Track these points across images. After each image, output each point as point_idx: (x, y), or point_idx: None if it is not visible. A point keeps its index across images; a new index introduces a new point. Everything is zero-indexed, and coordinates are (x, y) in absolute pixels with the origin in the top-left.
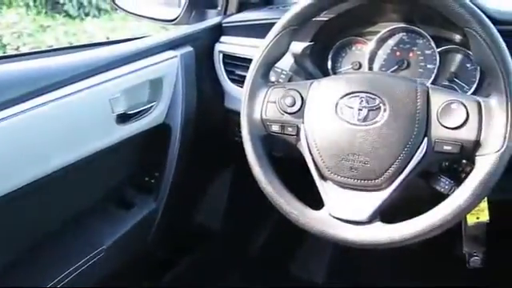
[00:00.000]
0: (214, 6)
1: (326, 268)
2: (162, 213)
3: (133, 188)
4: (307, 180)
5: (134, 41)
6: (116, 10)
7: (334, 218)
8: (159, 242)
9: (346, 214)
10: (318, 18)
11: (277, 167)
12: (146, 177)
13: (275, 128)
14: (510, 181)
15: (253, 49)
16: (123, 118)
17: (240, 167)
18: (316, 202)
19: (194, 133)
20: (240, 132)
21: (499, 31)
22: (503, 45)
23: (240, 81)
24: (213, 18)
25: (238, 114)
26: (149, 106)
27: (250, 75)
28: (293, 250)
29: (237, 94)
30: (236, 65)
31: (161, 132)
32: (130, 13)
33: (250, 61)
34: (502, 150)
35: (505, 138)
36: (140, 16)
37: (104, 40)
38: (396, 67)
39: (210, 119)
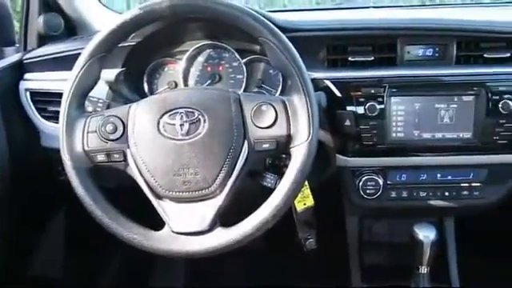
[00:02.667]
0: (11, 43)
1: (184, 272)
2: None
3: None
4: (146, 203)
5: None
6: None
7: (177, 233)
8: None
9: (187, 227)
10: (126, 43)
11: (112, 196)
12: None
13: (100, 157)
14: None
15: (62, 82)
16: None
17: (72, 207)
18: (160, 222)
19: (11, 179)
20: (64, 170)
21: (288, 38)
22: (293, 49)
23: (55, 117)
24: (12, 56)
25: (58, 151)
26: None
27: (63, 109)
28: (148, 271)
29: (54, 131)
30: (47, 101)
31: None
32: None
33: (61, 95)
34: (310, 138)
35: (309, 128)
36: None
37: None
38: (210, 81)
39: (27, 162)
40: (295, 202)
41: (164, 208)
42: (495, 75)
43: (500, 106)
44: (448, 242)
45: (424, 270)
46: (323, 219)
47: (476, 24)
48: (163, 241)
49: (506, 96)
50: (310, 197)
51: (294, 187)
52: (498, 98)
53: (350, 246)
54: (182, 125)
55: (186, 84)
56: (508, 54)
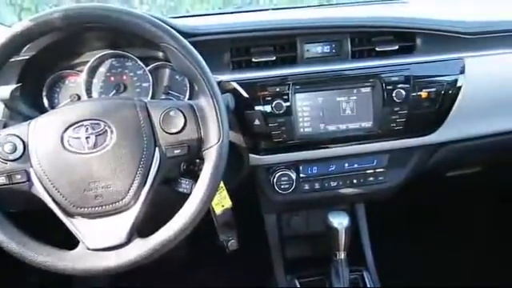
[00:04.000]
0: None
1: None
2: None
3: None
4: (57, 222)
5: None
6: None
7: (93, 250)
8: None
9: (103, 243)
10: (19, 57)
11: (19, 220)
12: None
13: (1, 180)
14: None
15: None
16: None
17: None
18: (75, 241)
19: None
20: None
21: (191, 42)
22: (196, 53)
23: None
24: None
25: None
26: None
27: None
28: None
29: None
30: None
31: None
32: None
33: None
34: (221, 140)
35: (220, 129)
36: None
37: None
38: (114, 92)
39: None
40: (213, 204)
41: (77, 226)
42: (387, 67)
43: (394, 95)
44: (361, 227)
45: (341, 255)
46: (243, 218)
47: (366, 20)
48: (79, 260)
49: (399, 85)
50: (228, 198)
51: (210, 190)
52: (391, 87)
53: (270, 242)
54: (87, 138)
55: (89, 96)
56: (396, 47)
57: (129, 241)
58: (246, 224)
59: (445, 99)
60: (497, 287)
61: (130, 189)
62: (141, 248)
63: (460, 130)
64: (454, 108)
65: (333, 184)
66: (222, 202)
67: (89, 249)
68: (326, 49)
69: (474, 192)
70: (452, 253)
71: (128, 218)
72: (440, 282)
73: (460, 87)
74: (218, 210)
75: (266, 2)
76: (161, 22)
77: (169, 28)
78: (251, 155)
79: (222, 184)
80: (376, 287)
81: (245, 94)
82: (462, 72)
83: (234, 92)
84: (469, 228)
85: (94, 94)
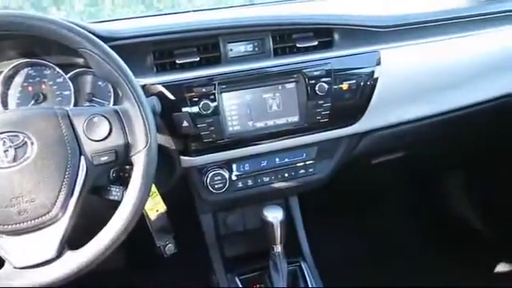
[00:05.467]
0: None
1: None
2: None
3: None
4: None
5: None
6: None
7: (21, 268)
8: None
9: (32, 259)
10: None
11: None
12: None
13: None
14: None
15: None
16: None
17: None
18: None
19: None
20: None
21: (111, 47)
22: (117, 57)
23: None
24: None
25: None
26: None
27: None
28: None
29: None
30: None
31: None
32: None
33: None
34: (148, 144)
35: (147, 133)
36: None
37: None
38: (33, 102)
39: None
40: (147, 209)
41: (1, 244)
42: (308, 62)
43: (317, 88)
44: (296, 219)
45: (278, 248)
46: (180, 221)
47: (285, 18)
48: (6, 279)
49: (321, 79)
50: (162, 202)
51: (141, 196)
52: (314, 82)
53: (208, 242)
54: (6, 151)
55: (5, 108)
56: (316, 43)
57: (59, 255)
58: (183, 226)
59: (364, 90)
60: (428, 269)
61: (56, 201)
62: (73, 261)
63: (380, 118)
64: (373, 98)
65: (265, 179)
66: (156, 207)
67: (16, 267)
68: (249, 47)
69: (400, 177)
70: (383, 236)
71: (56, 232)
72: (376, 266)
73: (377, 78)
74: (153, 215)
75: (188, 6)
76: (78, 27)
77: (87, 33)
78: (182, 157)
79: (154, 188)
80: (314, 276)
81: (171, 97)
82: (379, 64)
83: (160, 95)
84: (396, 212)
85: (11, 106)
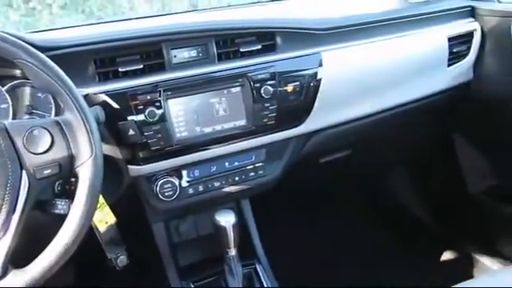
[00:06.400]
0: None
1: None
2: None
3: None
4: None
5: None
6: None
7: None
8: None
9: None
10: None
11: None
12: None
13: None
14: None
15: None
16: None
17: None
18: None
19: None
20: None
21: (50, 57)
22: (56, 67)
23: None
24: None
25: None
26: None
27: None
28: None
29: None
30: None
31: None
32: None
33: None
34: (93, 155)
35: (91, 143)
36: None
37: None
38: None
39: None
40: (95, 222)
41: None
42: (253, 66)
43: (262, 91)
44: (248, 221)
45: (232, 252)
46: (132, 231)
47: (228, 23)
48: None
49: (266, 82)
50: (111, 213)
51: (88, 207)
52: (259, 85)
53: (161, 251)
54: None
55: None
56: (259, 46)
57: (3, 275)
58: (135, 236)
59: (309, 91)
60: (381, 264)
61: None
62: (18, 281)
63: (326, 118)
64: (317, 98)
65: (216, 184)
66: (105, 219)
67: None
68: (193, 53)
69: (348, 175)
70: (335, 234)
71: (0, 250)
72: (329, 265)
73: (320, 79)
74: (102, 227)
75: (131, 14)
76: (13, 38)
77: (22, 43)
78: (130, 166)
79: (102, 199)
80: (269, 277)
81: (115, 105)
82: (321, 65)
83: (104, 104)
84: (346, 210)
85: None
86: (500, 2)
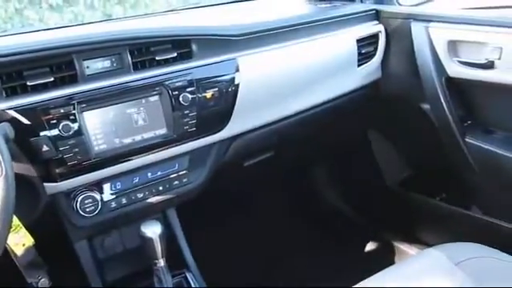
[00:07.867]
0: None
1: None
2: None
3: None
4: None
5: None
6: None
7: None
8: None
9: None
10: None
11: None
12: None
13: None
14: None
15: None
16: None
17: None
18: None
19: None
20: None
21: None
22: None
23: None
24: None
25: None
26: None
27: None
28: None
29: None
30: None
31: None
32: None
33: None
34: (4, 173)
35: (0, 163)
36: None
37: None
38: None
39: None
40: (11, 245)
41: None
42: (169, 74)
43: (181, 99)
44: (176, 230)
45: (161, 263)
46: (53, 251)
47: (141, 32)
48: None
49: (184, 90)
50: (28, 235)
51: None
52: (177, 93)
53: (86, 270)
54: None
55: None
56: (175, 54)
57: None
58: (57, 256)
59: (228, 97)
60: (312, 263)
61: None
62: None
63: (246, 121)
64: (236, 103)
65: (140, 196)
66: (22, 241)
67: None
68: (107, 63)
69: (273, 176)
70: (264, 236)
71: None
72: (260, 267)
73: (238, 84)
74: (19, 251)
75: (41, 25)
76: None
77: None
78: (46, 184)
79: (17, 221)
80: (200, 284)
81: (26, 121)
82: (237, 70)
83: (13, 120)
84: (273, 211)
85: None
86: (400, 5)
